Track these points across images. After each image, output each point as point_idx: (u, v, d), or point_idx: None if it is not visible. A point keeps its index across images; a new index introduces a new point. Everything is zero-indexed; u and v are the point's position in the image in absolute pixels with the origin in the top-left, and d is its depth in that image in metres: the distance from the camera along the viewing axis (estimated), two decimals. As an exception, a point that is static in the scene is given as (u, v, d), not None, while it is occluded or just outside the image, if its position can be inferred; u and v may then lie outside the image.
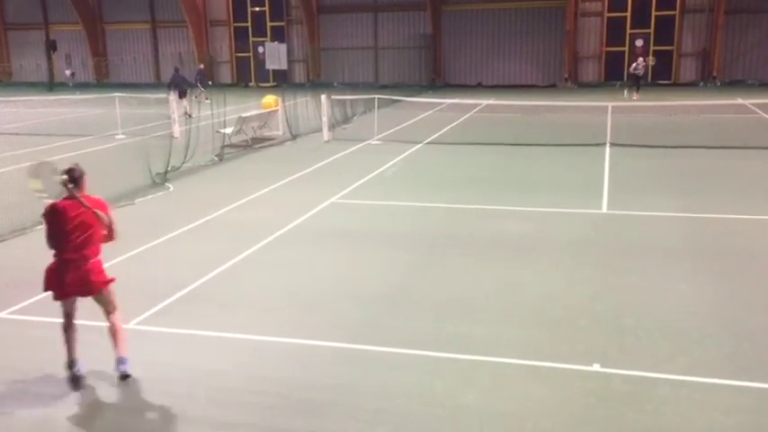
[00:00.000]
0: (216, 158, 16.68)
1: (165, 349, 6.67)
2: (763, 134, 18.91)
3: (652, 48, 36.02)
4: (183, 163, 15.35)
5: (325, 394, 5.73)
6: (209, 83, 33.29)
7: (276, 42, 39.98)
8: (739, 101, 24.43)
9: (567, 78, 36.84)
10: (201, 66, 35.60)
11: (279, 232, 10.43)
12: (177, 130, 20.06)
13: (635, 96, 28.47)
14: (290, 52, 41.03)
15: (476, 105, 26.21)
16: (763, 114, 22.63)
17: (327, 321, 7.20)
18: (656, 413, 5.36)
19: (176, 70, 30.14)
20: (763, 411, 5.38)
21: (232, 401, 5.65)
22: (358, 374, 6.08)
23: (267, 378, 6.04)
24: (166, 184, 13.96)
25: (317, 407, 5.55)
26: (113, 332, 6.00)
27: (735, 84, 34.39)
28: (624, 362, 6.16)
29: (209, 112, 21.63)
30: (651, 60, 33.18)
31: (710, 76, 35.12)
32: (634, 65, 29.68)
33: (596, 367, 6.07)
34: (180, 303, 7.76)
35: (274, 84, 39.53)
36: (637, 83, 29.45)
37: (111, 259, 9.12)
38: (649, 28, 36.19)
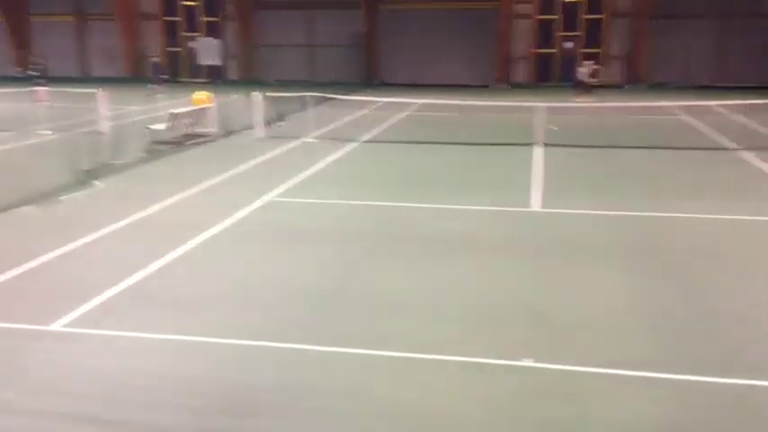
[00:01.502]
0: (146, 155, 16.30)
1: (93, 352, 6.48)
2: (686, 135, 19.68)
3: (581, 50, 36.98)
4: (112, 160, 14.94)
5: (260, 394, 5.68)
6: (165, 76, 32.71)
7: (210, 38, 39.36)
8: (663, 103, 25.36)
9: (500, 79, 37.48)
10: (157, 59, 34.93)
11: (212, 230, 10.28)
12: (105, 125, 19.51)
13: (583, 99, 28.14)
14: (224, 48, 40.45)
15: (411, 104, 26.40)
16: (685, 116, 23.57)
17: (263, 320, 7.14)
18: (584, 405, 5.53)
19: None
20: (682, 401, 5.61)
21: (164, 404, 5.55)
22: (294, 374, 6.06)
23: (200, 379, 5.94)
24: (93, 181, 13.56)
25: (252, 407, 5.50)
26: None
27: (658, 86, 35.67)
28: (553, 356, 6.33)
29: (138, 108, 21.13)
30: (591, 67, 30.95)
31: (636, 79, 36.33)
32: (584, 70, 29.16)
33: (527, 362, 6.22)
34: (108, 304, 7.55)
35: (208, 80, 38.87)
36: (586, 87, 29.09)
37: (35, 258, 8.84)
38: (578, 31, 37.16)
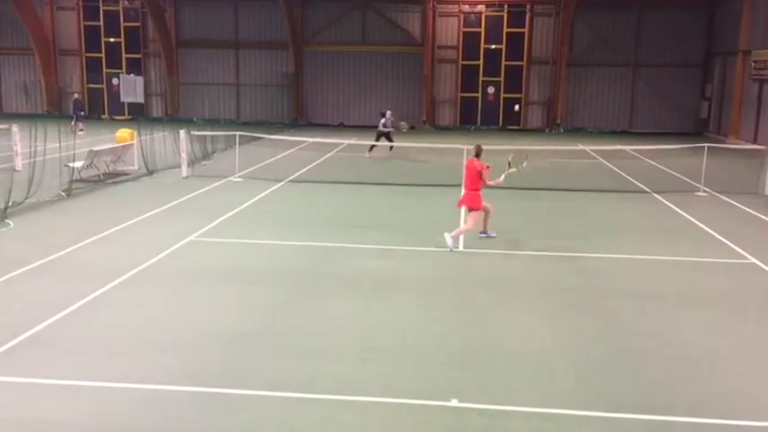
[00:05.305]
0: (63, 194, 15.73)
1: (2, 400, 6.12)
2: (604, 178, 20.44)
3: (502, 95, 38.17)
4: (26, 198, 14.36)
5: (181, 442, 5.48)
6: (82, 113, 31.94)
7: (132, 75, 38.68)
8: (581, 147, 26.33)
9: (426, 121, 38.19)
10: (77, 95, 34.20)
11: (133, 271, 9.96)
12: (20, 162, 18.79)
13: (368, 154, 24.31)
14: (147, 85, 39.81)
15: (338, 144, 26.54)
16: (602, 160, 24.52)
17: (185, 364, 6.93)
18: (510, 445, 5.56)
19: None
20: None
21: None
22: (217, 419, 5.88)
23: (118, 428, 5.70)
24: (6, 220, 12.98)
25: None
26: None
27: (576, 131, 37.08)
28: (480, 396, 6.37)
29: (57, 145, 20.45)
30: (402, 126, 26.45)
31: (555, 124, 37.69)
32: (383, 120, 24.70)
33: (454, 402, 6.23)
34: (20, 349, 7.19)
35: (130, 117, 38.05)
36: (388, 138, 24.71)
37: (-61, 303, 8.33)
38: (500, 76, 38.39)
